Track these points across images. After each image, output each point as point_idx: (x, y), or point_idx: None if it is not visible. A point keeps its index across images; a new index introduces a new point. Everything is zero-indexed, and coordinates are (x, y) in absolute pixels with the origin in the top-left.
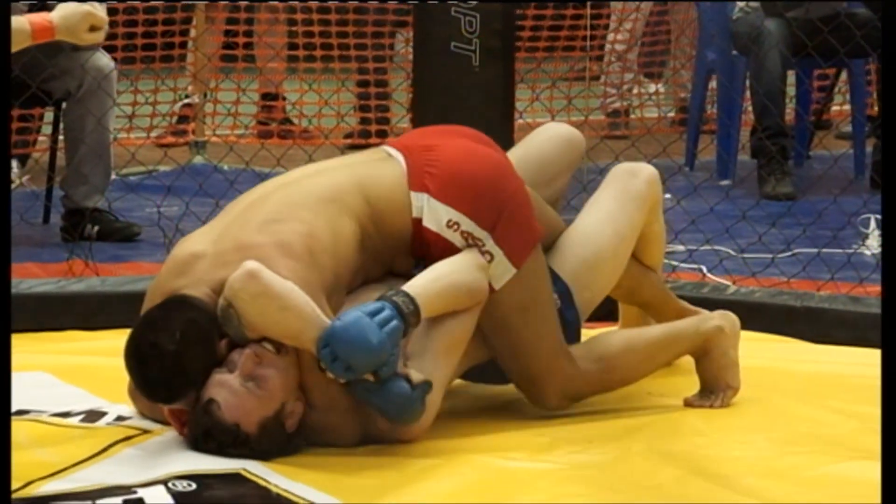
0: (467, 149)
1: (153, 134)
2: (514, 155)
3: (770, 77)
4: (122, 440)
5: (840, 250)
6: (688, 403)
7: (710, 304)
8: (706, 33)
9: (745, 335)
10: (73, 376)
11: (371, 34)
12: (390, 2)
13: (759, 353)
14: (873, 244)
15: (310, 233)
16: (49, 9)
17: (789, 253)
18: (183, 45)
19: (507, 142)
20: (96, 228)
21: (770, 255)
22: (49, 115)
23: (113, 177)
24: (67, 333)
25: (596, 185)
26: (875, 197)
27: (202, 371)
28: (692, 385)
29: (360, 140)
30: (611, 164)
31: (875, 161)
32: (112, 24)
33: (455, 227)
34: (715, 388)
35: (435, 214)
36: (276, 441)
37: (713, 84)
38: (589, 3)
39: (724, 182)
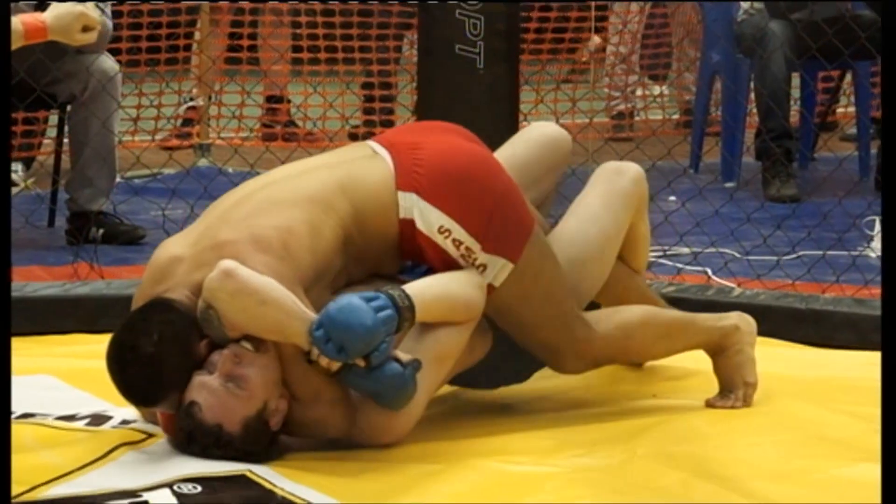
0: (454, 146)
1: (158, 137)
2: (499, 155)
3: (774, 79)
4: (127, 444)
5: (845, 252)
6: (709, 404)
7: (716, 307)
8: (711, 35)
9: None
10: (79, 379)
11: (375, 37)
12: (394, 4)
13: (764, 357)
14: (878, 246)
15: (286, 227)
16: (46, 9)
17: (794, 255)
18: (187, 47)
19: None
20: (101, 231)
21: (775, 258)
22: (54, 119)
23: (118, 180)
24: (72, 336)
25: None
26: (880, 199)
27: (181, 372)
28: (697, 388)
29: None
30: None
31: (880, 163)
32: (116, 27)
33: (447, 233)
34: (733, 386)
35: (426, 218)
36: (260, 440)
37: (718, 86)
38: (594, 5)
39: (729, 184)
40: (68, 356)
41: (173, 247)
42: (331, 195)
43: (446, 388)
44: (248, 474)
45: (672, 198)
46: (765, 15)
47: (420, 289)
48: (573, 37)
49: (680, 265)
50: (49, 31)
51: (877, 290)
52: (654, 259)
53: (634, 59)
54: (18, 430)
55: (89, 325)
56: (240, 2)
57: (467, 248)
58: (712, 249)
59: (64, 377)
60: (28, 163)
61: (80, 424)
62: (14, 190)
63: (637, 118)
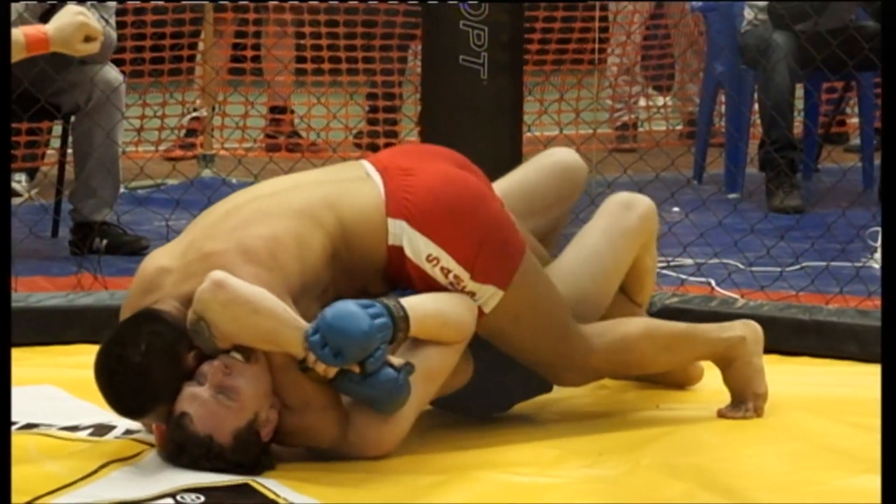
0: (445, 174)
1: (161, 147)
2: (511, 179)
3: (778, 90)
4: (130, 456)
5: (849, 263)
6: (721, 415)
7: (719, 318)
8: (714, 46)
9: None
10: (82, 390)
11: (379, 47)
12: (398, 15)
13: (767, 369)
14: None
15: (273, 237)
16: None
17: (798, 266)
18: (191, 58)
19: (515, 154)
20: (105, 242)
21: (778, 269)
22: (58, 129)
23: (121, 190)
24: (76, 347)
25: (603, 198)
26: None
27: (169, 383)
28: (701, 398)
29: (368, 153)
30: (618, 178)
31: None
32: (120, 37)
33: (435, 262)
34: (744, 397)
35: (415, 246)
36: (251, 451)
37: (721, 97)
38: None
39: (733, 195)
40: (72, 366)
41: (160, 258)
42: (319, 210)
43: None
44: (252, 483)
45: (675, 209)
46: (769, 26)
47: (415, 302)
48: (577, 48)
49: (683, 276)
50: (51, 42)
51: (881, 302)
52: (658, 270)
53: (637, 69)
54: (22, 441)
55: (93, 336)
56: (244, 8)
57: (456, 277)
58: (716, 260)
59: (67, 388)
60: (32, 173)
61: (83, 435)
62: (18, 200)
63: (641, 129)
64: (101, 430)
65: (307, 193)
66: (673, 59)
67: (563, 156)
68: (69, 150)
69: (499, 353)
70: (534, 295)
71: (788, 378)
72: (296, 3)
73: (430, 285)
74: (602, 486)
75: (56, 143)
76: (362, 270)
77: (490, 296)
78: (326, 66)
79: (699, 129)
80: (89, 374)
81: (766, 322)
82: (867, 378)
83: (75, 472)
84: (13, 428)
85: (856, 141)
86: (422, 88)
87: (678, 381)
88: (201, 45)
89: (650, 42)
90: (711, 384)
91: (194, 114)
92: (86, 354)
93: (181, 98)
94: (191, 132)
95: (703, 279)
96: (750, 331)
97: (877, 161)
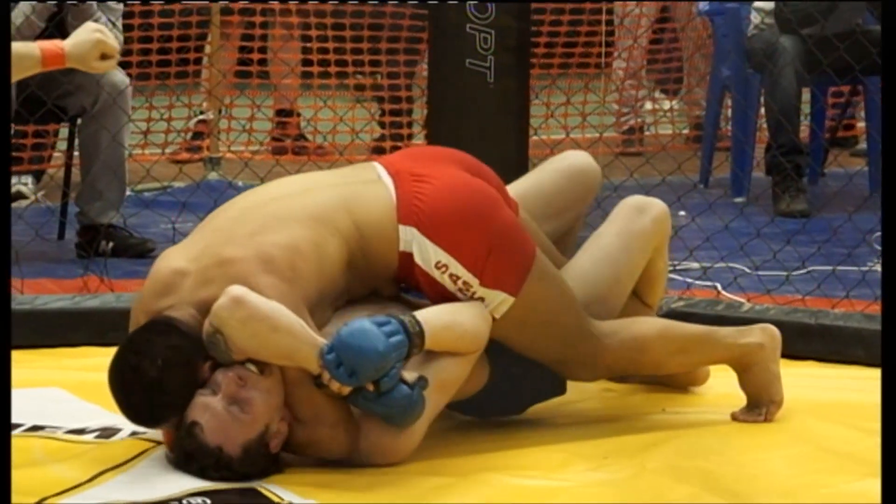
0: (456, 180)
1: (168, 150)
2: (525, 182)
3: (785, 94)
4: (137, 455)
5: (855, 268)
6: (735, 418)
7: (725, 322)
8: (721, 50)
9: None
10: (88, 392)
11: (385, 51)
12: (404, 18)
13: None
14: None
15: (293, 246)
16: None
17: (804, 270)
18: (198, 61)
19: (522, 158)
20: (111, 244)
21: (785, 273)
22: (64, 132)
23: (128, 193)
24: (82, 349)
25: (610, 201)
26: None
27: (184, 396)
28: (707, 402)
29: (373, 155)
30: (625, 181)
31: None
32: (127, 40)
33: (444, 269)
34: (759, 402)
35: (424, 253)
36: (259, 463)
37: (728, 101)
38: (604, 20)
39: (739, 199)
40: (78, 369)
41: (175, 259)
42: (336, 214)
43: None
44: (259, 488)
45: (682, 213)
46: (775, 30)
47: (430, 316)
48: (583, 51)
49: (690, 280)
50: (67, 58)
51: None
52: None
53: (644, 73)
54: (28, 443)
55: (99, 338)
56: (250, 11)
57: (465, 283)
58: (722, 264)
59: (73, 390)
60: (38, 175)
61: (89, 437)
62: (24, 203)
63: (647, 133)
64: (108, 432)
65: (323, 196)
66: (680, 63)
67: (578, 159)
68: (76, 153)
69: (512, 356)
70: (545, 299)
71: (794, 382)
72: (302, 6)
73: (439, 292)
74: (608, 490)
75: (63, 145)
76: (375, 273)
77: (501, 301)
78: (333, 69)
79: (706, 132)
80: (95, 376)
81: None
82: (873, 382)
83: (82, 473)
84: (19, 430)
85: (862, 145)
86: (428, 92)
87: (684, 382)
88: (208, 48)
89: (657, 46)
90: (717, 388)
91: (201, 117)
92: (92, 357)
93: (188, 101)
94: (197, 135)
95: (709, 283)
96: (768, 337)
97: None
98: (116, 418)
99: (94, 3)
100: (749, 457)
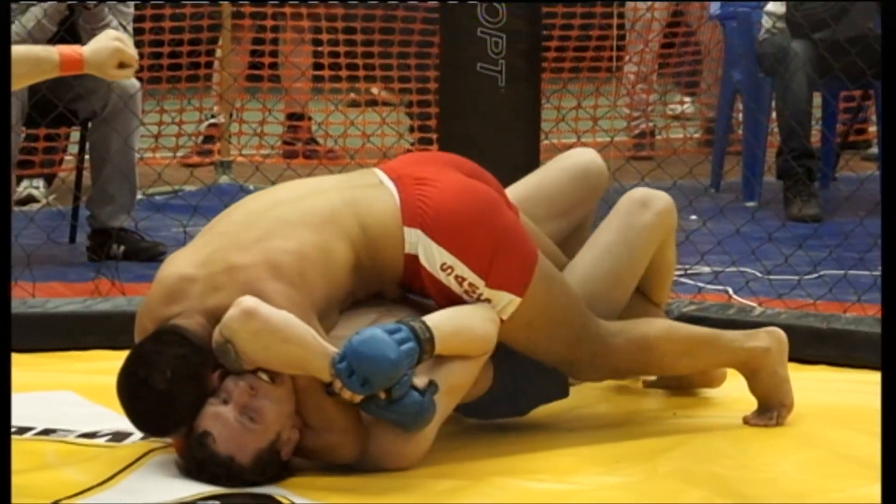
0: (458, 183)
1: (179, 154)
2: (530, 181)
3: (796, 98)
4: (147, 453)
5: (866, 272)
6: (746, 421)
7: (736, 326)
8: (732, 54)
9: None
10: (100, 396)
11: (396, 54)
12: (416, 22)
13: None
14: None
15: (300, 252)
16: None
17: (815, 275)
18: (209, 64)
19: (532, 162)
20: (122, 248)
21: (796, 277)
22: (76, 135)
23: (139, 196)
24: (94, 353)
25: None
26: None
27: (194, 406)
28: (718, 406)
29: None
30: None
31: None
32: (138, 43)
33: (449, 270)
34: (770, 406)
35: (430, 255)
36: (270, 471)
37: (739, 105)
38: (615, 24)
39: (750, 203)
40: (89, 372)
41: (181, 265)
42: (341, 217)
43: None
44: (271, 492)
45: (693, 217)
46: (787, 34)
47: (439, 321)
48: (594, 55)
49: (701, 284)
50: (85, 64)
51: None
52: (675, 278)
53: (655, 77)
54: (39, 447)
55: (110, 342)
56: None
57: (470, 285)
58: (733, 268)
59: (85, 393)
60: (50, 179)
61: (101, 441)
62: (35, 206)
63: (658, 137)
64: (120, 436)
65: (328, 199)
66: (692, 67)
67: (582, 157)
68: (87, 157)
69: (516, 358)
70: (550, 300)
71: (805, 386)
72: (313, 10)
73: (445, 294)
74: (620, 493)
75: (74, 148)
76: (381, 276)
77: (507, 303)
78: (344, 73)
79: (717, 137)
80: (107, 379)
81: (784, 330)
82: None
83: (94, 476)
84: (30, 434)
85: (874, 149)
86: (439, 96)
87: (700, 382)
88: (219, 52)
89: (668, 50)
90: (729, 391)
91: (212, 120)
92: (103, 360)
93: (199, 104)
94: (208, 138)
95: (720, 287)
96: (774, 341)
97: None
98: (128, 422)
99: (105, 6)
100: (760, 461)
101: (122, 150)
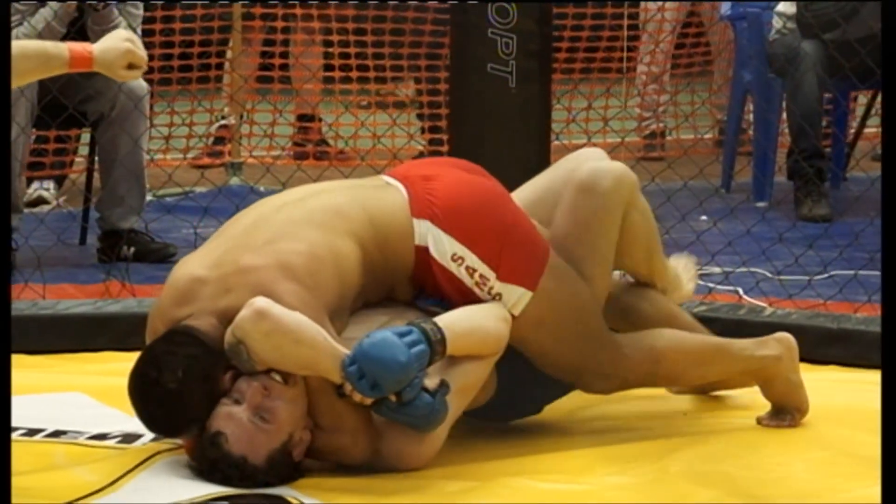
0: (464, 179)
1: (189, 155)
2: (535, 184)
3: (806, 99)
4: (157, 454)
5: (877, 272)
6: (760, 422)
7: (747, 326)
8: (743, 54)
9: None
10: (110, 397)
11: (407, 55)
12: (426, 24)
13: None
14: None
15: (311, 253)
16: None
17: (826, 275)
18: (219, 66)
19: (543, 162)
20: (133, 249)
21: (807, 277)
22: (86, 137)
23: (149, 198)
24: (104, 354)
25: None
26: None
27: (205, 407)
28: (728, 406)
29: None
30: (646, 186)
31: None
32: (149, 45)
33: (460, 261)
34: (785, 410)
35: (440, 245)
36: (283, 471)
37: (749, 105)
38: (626, 24)
39: (761, 204)
40: (100, 374)
41: (193, 267)
42: (350, 212)
43: None
44: (282, 493)
45: (703, 217)
46: (797, 35)
47: (451, 321)
48: (605, 56)
49: (711, 284)
50: (95, 62)
51: None
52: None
53: (666, 78)
54: (49, 448)
55: (121, 343)
56: (272, 16)
57: (482, 276)
58: (744, 269)
59: (95, 395)
60: (60, 181)
61: (111, 443)
62: (46, 208)
63: (669, 137)
64: (130, 438)
65: (336, 196)
66: (702, 68)
67: (590, 157)
68: (97, 158)
69: (517, 363)
70: (562, 298)
71: (816, 386)
72: (324, 11)
73: (457, 286)
74: (630, 494)
75: (84, 150)
76: (392, 273)
77: (519, 297)
78: (354, 74)
79: (727, 137)
80: (117, 381)
81: (794, 331)
82: None
83: (105, 477)
84: (40, 435)
85: None
86: (450, 96)
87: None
88: (229, 53)
89: (679, 51)
90: (741, 392)
91: (222, 121)
92: (114, 362)
93: (209, 106)
94: (219, 140)
95: (731, 287)
96: (785, 348)
97: None
98: (138, 424)
99: (115, 8)
100: (770, 461)
101: (132, 152)
